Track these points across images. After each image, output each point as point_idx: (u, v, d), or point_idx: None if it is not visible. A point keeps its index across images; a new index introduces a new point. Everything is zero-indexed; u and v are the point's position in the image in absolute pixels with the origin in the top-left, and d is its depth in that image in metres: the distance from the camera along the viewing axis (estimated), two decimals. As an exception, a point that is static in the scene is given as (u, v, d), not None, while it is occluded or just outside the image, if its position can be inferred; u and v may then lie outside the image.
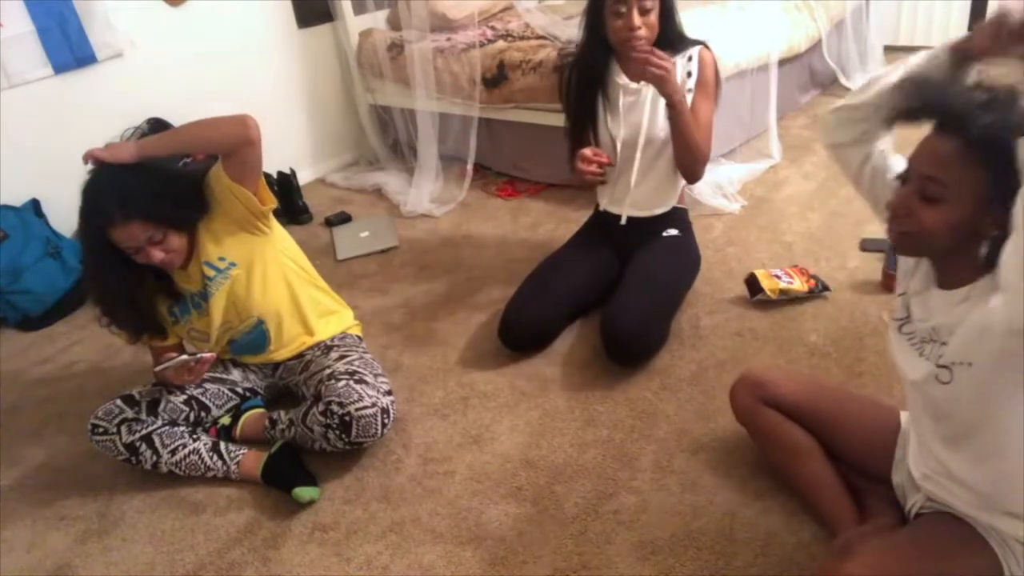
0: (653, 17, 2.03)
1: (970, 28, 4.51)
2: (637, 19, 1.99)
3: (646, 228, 2.29)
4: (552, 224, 3.01)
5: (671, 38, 2.10)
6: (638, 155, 2.18)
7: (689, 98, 2.11)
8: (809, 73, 3.91)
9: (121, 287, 1.80)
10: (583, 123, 2.24)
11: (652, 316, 2.10)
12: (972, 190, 1.08)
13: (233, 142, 1.74)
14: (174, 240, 1.77)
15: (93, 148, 1.74)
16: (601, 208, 2.38)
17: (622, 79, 2.18)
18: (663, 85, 1.97)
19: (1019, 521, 1.16)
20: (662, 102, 2.07)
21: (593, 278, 2.29)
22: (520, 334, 2.20)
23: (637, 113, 2.17)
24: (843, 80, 3.97)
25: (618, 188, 2.29)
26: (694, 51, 2.14)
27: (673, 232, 2.30)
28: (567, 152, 2.28)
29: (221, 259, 1.86)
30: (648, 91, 2.13)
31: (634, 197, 2.26)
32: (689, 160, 2.13)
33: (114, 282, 1.79)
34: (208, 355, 1.84)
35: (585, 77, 2.21)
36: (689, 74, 2.13)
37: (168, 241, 1.75)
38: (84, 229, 1.75)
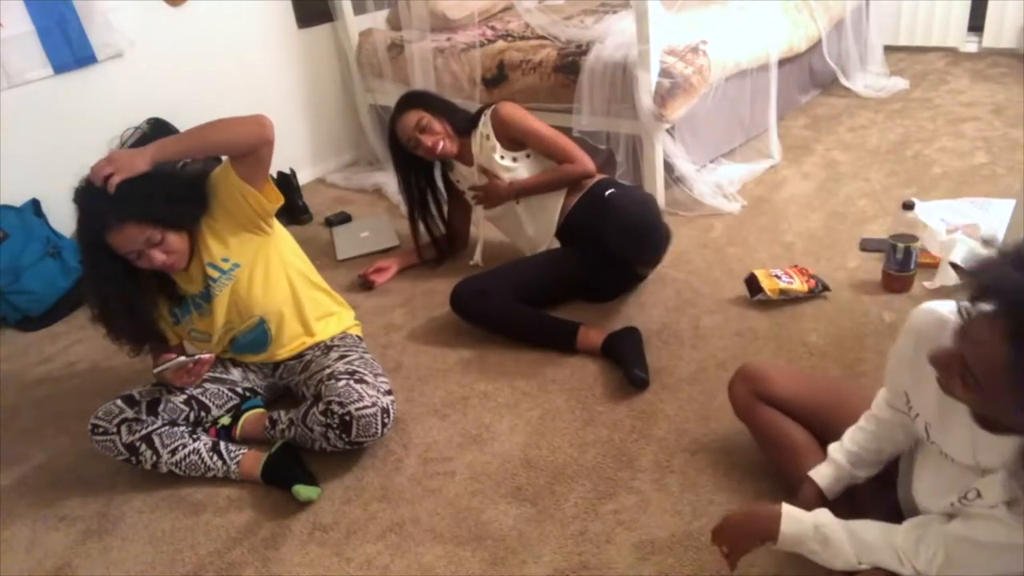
0: (437, 126, 2.43)
1: (970, 29, 4.45)
2: (428, 140, 2.42)
3: (583, 214, 2.40)
4: (552, 224, 3.01)
5: (461, 126, 2.48)
6: (510, 216, 2.54)
7: (497, 155, 2.42)
8: (809, 73, 3.91)
9: (120, 298, 1.79)
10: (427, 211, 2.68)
11: (646, 201, 2.29)
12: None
13: (251, 142, 1.75)
14: (173, 241, 1.76)
15: (108, 174, 1.64)
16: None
17: (455, 171, 2.59)
18: (500, 198, 2.44)
19: None
20: (488, 164, 2.44)
21: (547, 263, 2.44)
22: (461, 296, 2.32)
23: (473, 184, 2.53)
24: (843, 80, 3.98)
25: (521, 239, 2.59)
26: (483, 120, 2.44)
27: (611, 190, 2.36)
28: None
29: (225, 260, 1.86)
30: (475, 173, 2.50)
31: (536, 232, 2.52)
32: (572, 181, 2.40)
33: (113, 293, 1.78)
34: (207, 356, 1.84)
35: (423, 193, 2.64)
36: (487, 136, 2.43)
37: (167, 242, 1.75)
38: (82, 238, 1.75)
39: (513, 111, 2.40)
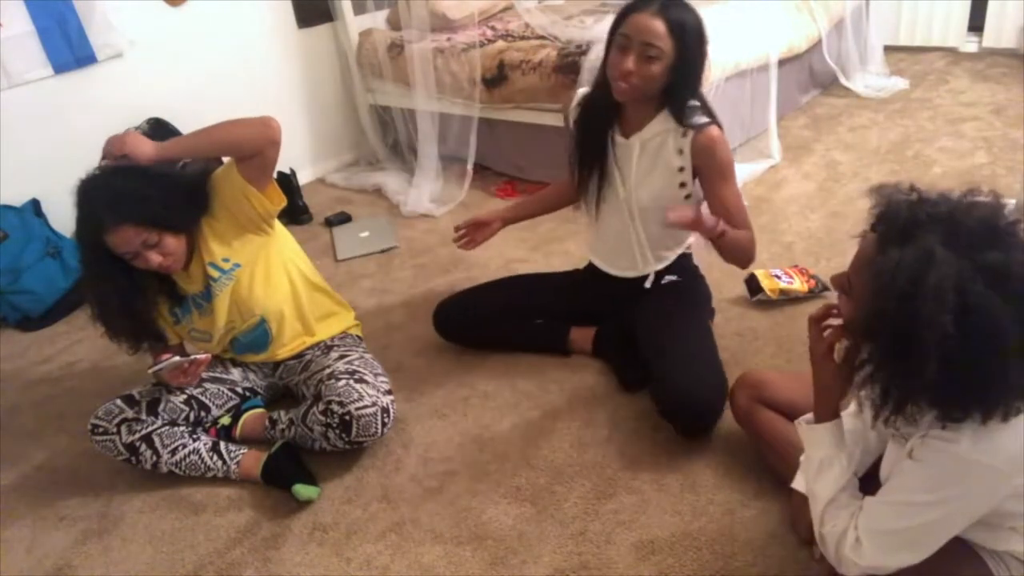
0: (656, 68, 1.72)
1: (970, 29, 4.45)
2: (631, 62, 1.72)
3: (639, 280, 2.05)
4: (552, 224, 3.00)
5: (673, 104, 1.81)
6: (624, 214, 1.99)
7: (679, 178, 1.87)
8: (809, 73, 3.91)
9: (118, 297, 1.79)
10: (583, 165, 1.99)
11: (704, 373, 1.81)
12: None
13: (258, 144, 1.75)
14: (170, 243, 1.76)
15: (114, 138, 1.74)
16: (590, 262, 2.19)
17: (615, 130, 1.92)
18: (697, 228, 1.73)
19: (1010, 532, 1.16)
20: (648, 164, 1.89)
21: (544, 291, 2.21)
22: (444, 318, 2.25)
23: (622, 171, 1.94)
24: (843, 80, 3.98)
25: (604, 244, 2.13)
26: (691, 133, 1.81)
27: (672, 277, 2.03)
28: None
29: (225, 260, 1.86)
30: (634, 151, 1.89)
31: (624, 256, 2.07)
32: (739, 260, 1.88)
33: (111, 292, 1.78)
34: (203, 356, 1.84)
35: (588, 116, 1.97)
36: (680, 151, 1.84)
37: (164, 244, 1.74)
38: (80, 237, 1.75)
39: (725, 143, 1.83)
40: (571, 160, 2.05)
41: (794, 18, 3.51)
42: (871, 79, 4.05)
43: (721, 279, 2.48)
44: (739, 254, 1.85)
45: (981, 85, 3.91)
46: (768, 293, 2.28)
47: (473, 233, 2.29)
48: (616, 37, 1.76)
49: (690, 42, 1.73)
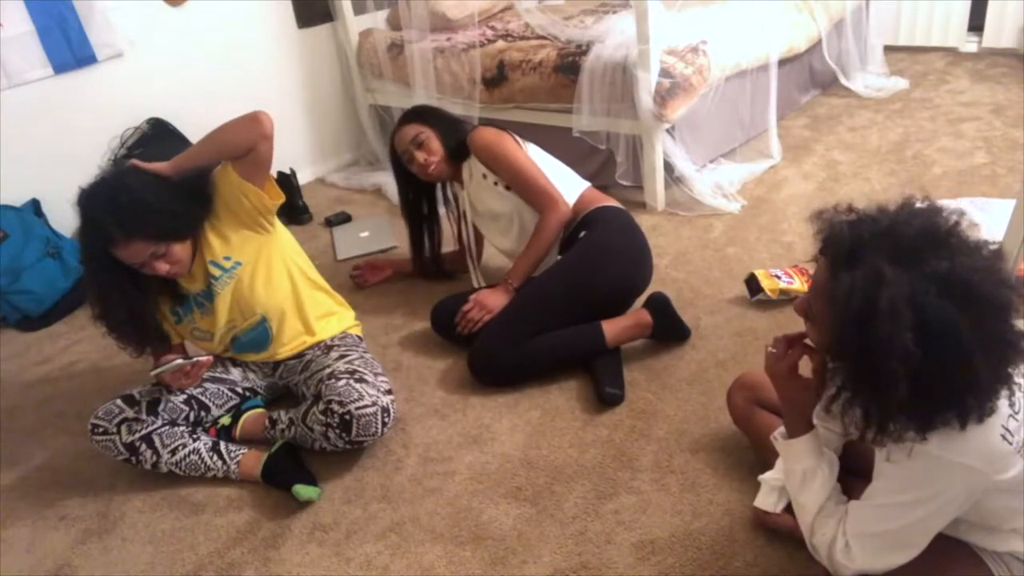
0: (434, 144, 2.28)
1: (970, 29, 4.45)
2: (421, 156, 2.28)
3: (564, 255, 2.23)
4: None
5: (454, 152, 2.31)
6: (494, 230, 2.40)
7: (488, 182, 2.27)
8: (809, 73, 3.91)
9: (125, 305, 1.80)
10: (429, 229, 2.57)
11: (498, 337, 2.09)
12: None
13: (250, 141, 1.76)
14: (177, 251, 1.77)
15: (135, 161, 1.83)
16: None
17: (460, 194, 2.43)
18: (502, 299, 2.18)
19: (1011, 534, 1.16)
20: (478, 188, 2.32)
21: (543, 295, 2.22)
22: (441, 318, 2.32)
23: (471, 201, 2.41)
24: (843, 80, 3.98)
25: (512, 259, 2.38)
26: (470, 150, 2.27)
27: (582, 233, 2.18)
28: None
29: (227, 258, 1.86)
30: (469, 193, 2.37)
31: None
32: (558, 237, 2.23)
33: (118, 302, 1.79)
34: (204, 358, 1.84)
35: (418, 205, 2.50)
36: (484, 176, 2.27)
37: (171, 253, 1.76)
38: (85, 247, 1.76)
39: (485, 138, 2.23)
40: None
41: (794, 18, 3.51)
42: (871, 79, 4.05)
43: (721, 279, 2.48)
44: (549, 249, 2.20)
45: (981, 85, 3.91)
46: (768, 293, 2.28)
47: (367, 274, 2.70)
48: (400, 156, 2.35)
49: (437, 116, 2.35)
